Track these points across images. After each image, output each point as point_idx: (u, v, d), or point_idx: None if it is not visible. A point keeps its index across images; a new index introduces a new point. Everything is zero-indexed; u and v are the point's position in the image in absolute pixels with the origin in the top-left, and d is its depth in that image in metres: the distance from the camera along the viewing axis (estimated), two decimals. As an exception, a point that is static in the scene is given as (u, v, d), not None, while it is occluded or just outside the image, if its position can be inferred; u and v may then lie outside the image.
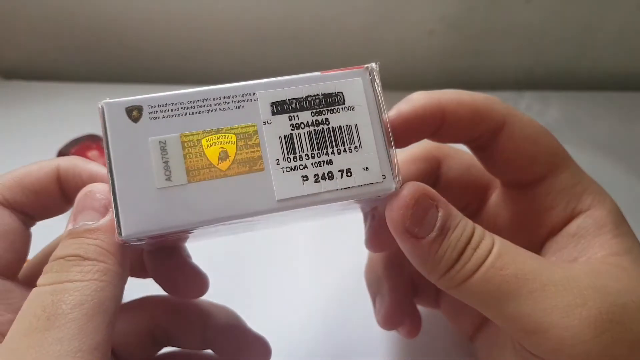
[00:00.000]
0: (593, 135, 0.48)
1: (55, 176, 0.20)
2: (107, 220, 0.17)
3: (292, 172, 0.17)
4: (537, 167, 0.21)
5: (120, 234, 0.16)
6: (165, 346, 0.24)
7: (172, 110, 0.17)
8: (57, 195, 0.20)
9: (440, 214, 0.18)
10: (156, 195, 0.16)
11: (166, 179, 0.17)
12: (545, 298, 0.16)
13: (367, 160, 0.17)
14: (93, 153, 0.40)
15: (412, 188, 0.18)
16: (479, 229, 0.18)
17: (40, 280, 0.17)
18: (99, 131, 0.42)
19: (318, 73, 0.18)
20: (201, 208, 0.17)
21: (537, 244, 0.21)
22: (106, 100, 0.17)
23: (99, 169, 0.20)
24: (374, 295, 0.28)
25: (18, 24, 0.52)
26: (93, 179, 0.20)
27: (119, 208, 0.16)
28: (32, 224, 0.21)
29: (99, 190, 0.18)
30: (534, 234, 0.21)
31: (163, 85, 0.52)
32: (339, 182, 0.17)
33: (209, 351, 0.25)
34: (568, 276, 0.17)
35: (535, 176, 0.21)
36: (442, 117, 0.20)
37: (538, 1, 0.50)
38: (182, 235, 0.19)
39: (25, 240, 0.20)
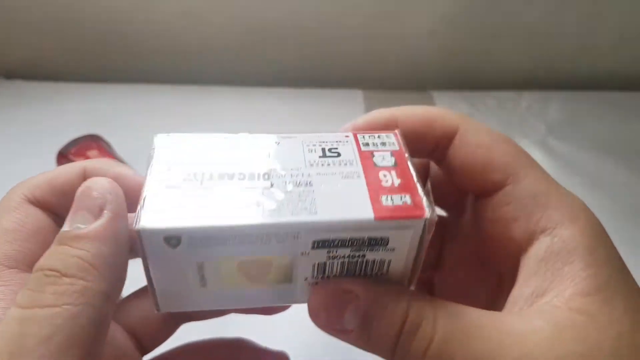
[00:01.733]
0: (593, 135, 0.48)
1: (82, 177, 0.19)
2: (98, 225, 0.16)
3: (315, 286, 0.18)
4: (492, 175, 0.19)
5: (157, 309, 0.18)
6: (185, 322, 0.24)
7: (214, 242, 0.16)
8: None
9: (361, 304, 0.17)
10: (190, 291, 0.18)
11: (201, 286, 0.17)
12: None
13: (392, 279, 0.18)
14: (93, 153, 0.40)
15: (320, 291, 0.18)
16: (413, 312, 0.17)
17: (17, 298, 0.15)
18: (98, 131, 0.42)
19: (372, 219, 0.16)
20: (226, 301, 0.18)
21: (511, 260, 0.19)
22: (143, 227, 0.15)
23: (126, 170, 0.19)
24: None
25: (19, 24, 0.52)
26: (118, 180, 0.18)
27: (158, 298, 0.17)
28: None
29: (97, 187, 0.17)
30: (507, 245, 0.19)
31: (163, 85, 0.52)
32: None
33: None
34: (524, 354, 0.15)
35: (492, 184, 0.19)
36: (395, 127, 0.20)
37: (538, 1, 0.50)
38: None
39: None
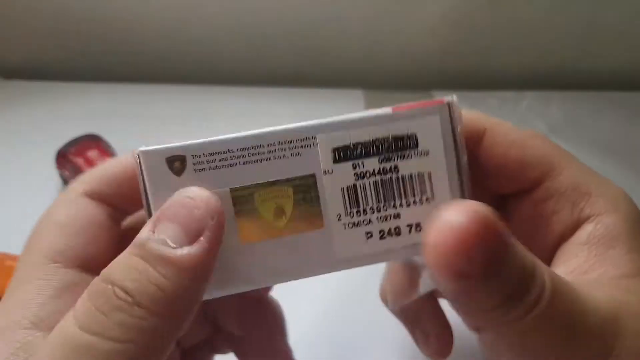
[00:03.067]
0: (594, 135, 0.48)
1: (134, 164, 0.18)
2: (193, 253, 0.14)
3: (354, 229, 0.15)
4: (529, 172, 0.19)
5: None
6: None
7: (220, 160, 0.15)
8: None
9: (495, 240, 0.13)
10: None
11: None
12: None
13: None
14: (93, 153, 0.40)
15: (474, 216, 0.13)
16: (532, 260, 0.15)
17: (76, 309, 0.13)
18: (98, 131, 0.42)
19: (389, 110, 0.15)
20: (254, 273, 0.15)
21: (547, 255, 0.19)
22: (143, 148, 0.14)
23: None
24: (411, 326, 0.25)
25: (18, 24, 0.51)
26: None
27: None
28: (123, 218, 0.19)
29: (201, 204, 0.14)
30: (543, 243, 0.19)
31: (163, 85, 0.52)
32: (406, 238, 0.15)
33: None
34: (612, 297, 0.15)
35: (529, 182, 0.19)
36: None
37: (539, 1, 0.50)
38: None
39: (111, 235, 0.18)
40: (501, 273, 0.14)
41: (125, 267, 0.14)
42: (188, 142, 0.15)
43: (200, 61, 0.54)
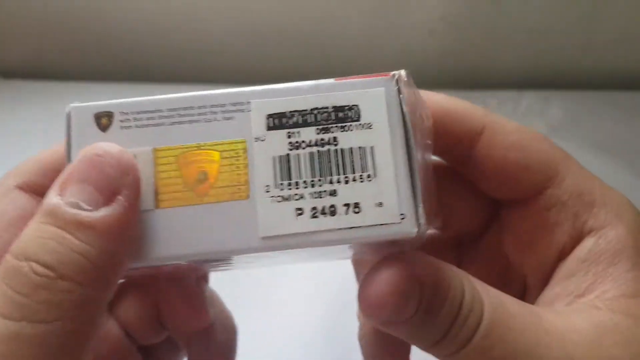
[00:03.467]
0: (594, 135, 0.48)
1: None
2: (111, 214, 0.12)
3: (284, 203, 0.14)
4: (531, 177, 0.17)
5: None
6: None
7: (147, 118, 0.14)
8: None
9: (428, 287, 0.14)
10: None
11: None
12: None
13: (383, 193, 0.14)
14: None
15: (391, 276, 0.14)
16: (468, 293, 0.15)
17: None
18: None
19: (331, 80, 0.15)
20: (172, 240, 0.14)
21: (547, 268, 0.18)
22: (74, 104, 0.14)
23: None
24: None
25: (18, 24, 0.51)
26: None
27: None
28: None
29: (112, 160, 0.13)
30: (543, 255, 0.17)
31: (162, 85, 0.51)
32: (342, 220, 0.14)
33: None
34: (564, 355, 0.14)
35: (531, 188, 0.17)
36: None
37: (538, 1, 0.50)
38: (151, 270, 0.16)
39: None
40: (430, 319, 0.14)
41: (38, 239, 0.12)
42: (119, 100, 0.14)
43: (201, 61, 0.54)
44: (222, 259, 0.15)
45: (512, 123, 0.18)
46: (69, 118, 0.14)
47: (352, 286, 0.34)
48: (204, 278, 0.21)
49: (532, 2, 0.50)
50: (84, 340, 0.12)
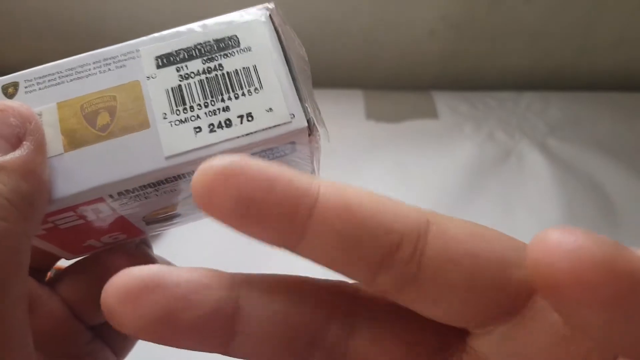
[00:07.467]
0: (593, 135, 0.48)
1: None
2: (19, 156, 0.14)
3: (182, 125, 0.15)
4: (506, 294, 0.11)
5: None
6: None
7: (49, 81, 0.16)
8: None
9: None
10: None
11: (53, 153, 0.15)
12: None
13: (271, 100, 0.15)
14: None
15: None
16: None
17: None
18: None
19: (209, 19, 0.17)
20: (80, 177, 0.15)
21: None
22: None
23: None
24: None
25: (18, 24, 0.52)
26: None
27: None
28: None
29: (15, 113, 0.14)
30: None
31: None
32: (238, 129, 0.15)
33: None
34: None
35: (507, 305, 0.11)
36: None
37: (538, 1, 0.50)
38: (76, 218, 0.16)
39: None
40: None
41: None
42: (24, 71, 0.16)
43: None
44: (135, 189, 0.16)
45: (457, 219, 0.12)
46: None
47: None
48: (145, 243, 0.21)
49: (532, 2, 0.50)
50: (9, 269, 0.13)
